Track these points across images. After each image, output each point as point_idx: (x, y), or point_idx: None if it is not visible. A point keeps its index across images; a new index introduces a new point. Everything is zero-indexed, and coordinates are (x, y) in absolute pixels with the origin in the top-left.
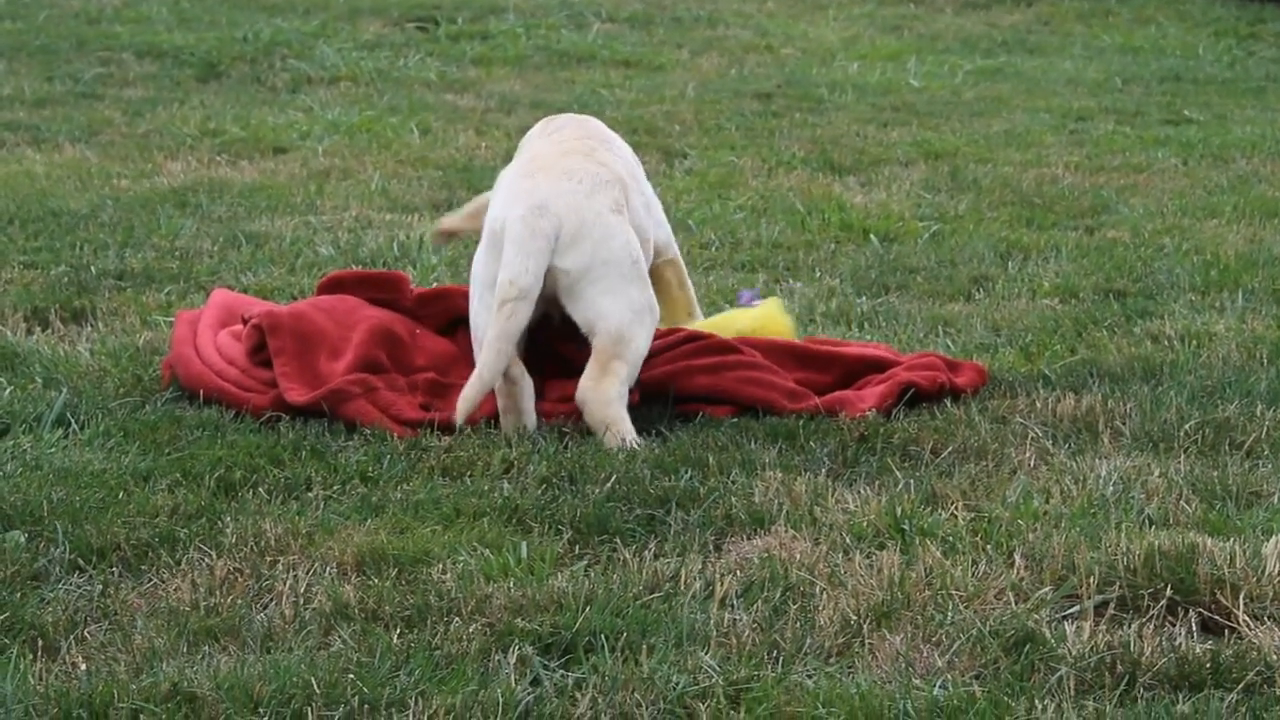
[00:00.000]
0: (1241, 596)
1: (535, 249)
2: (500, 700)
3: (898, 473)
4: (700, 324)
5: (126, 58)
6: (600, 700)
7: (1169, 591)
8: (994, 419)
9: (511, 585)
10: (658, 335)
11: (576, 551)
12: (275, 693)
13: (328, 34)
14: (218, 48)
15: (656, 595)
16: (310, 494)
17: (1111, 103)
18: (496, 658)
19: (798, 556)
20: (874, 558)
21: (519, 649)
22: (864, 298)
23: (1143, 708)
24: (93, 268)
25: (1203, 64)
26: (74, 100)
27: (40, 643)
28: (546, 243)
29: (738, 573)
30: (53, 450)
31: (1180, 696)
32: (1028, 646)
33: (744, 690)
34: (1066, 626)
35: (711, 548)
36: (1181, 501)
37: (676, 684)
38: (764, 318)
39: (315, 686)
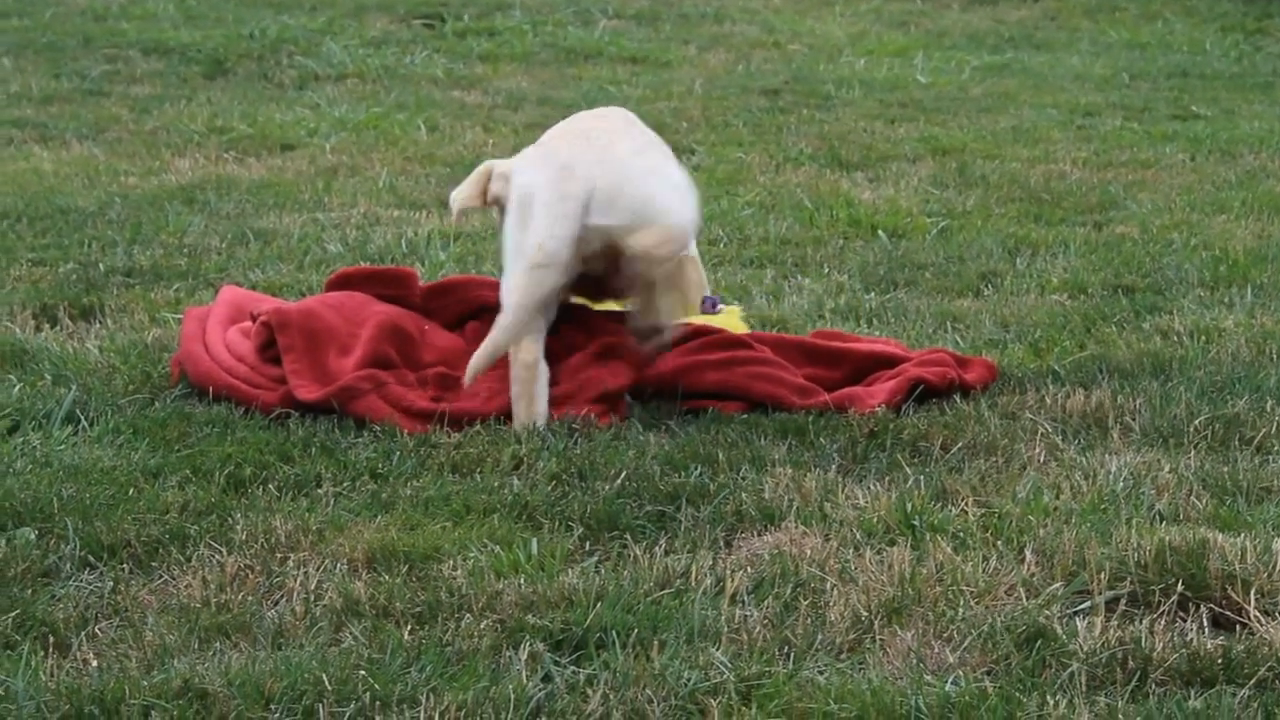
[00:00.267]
0: (1252, 592)
1: (563, 212)
2: (511, 697)
3: (908, 468)
4: None
5: (133, 55)
6: (612, 697)
7: (1180, 587)
8: (1004, 415)
9: (522, 582)
10: None
11: (587, 548)
12: (286, 689)
13: (334, 31)
14: (224, 45)
15: (667, 591)
16: (320, 490)
17: (1119, 98)
18: (508, 654)
19: (808, 552)
20: (884, 554)
21: (530, 645)
22: (872, 294)
23: (1154, 704)
24: (101, 265)
25: (1210, 59)
26: (81, 97)
27: (51, 639)
28: (577, 205)
29: (748, 569)
30: (62, 447)
31: (1192, 692)
32: (1039, 642)
33: (755, 686)
34: (1078, 622)
35: (722, 544)
36: (1192, 497)
37: (688, 680)
38: (722, 326)
39: (327, 683)
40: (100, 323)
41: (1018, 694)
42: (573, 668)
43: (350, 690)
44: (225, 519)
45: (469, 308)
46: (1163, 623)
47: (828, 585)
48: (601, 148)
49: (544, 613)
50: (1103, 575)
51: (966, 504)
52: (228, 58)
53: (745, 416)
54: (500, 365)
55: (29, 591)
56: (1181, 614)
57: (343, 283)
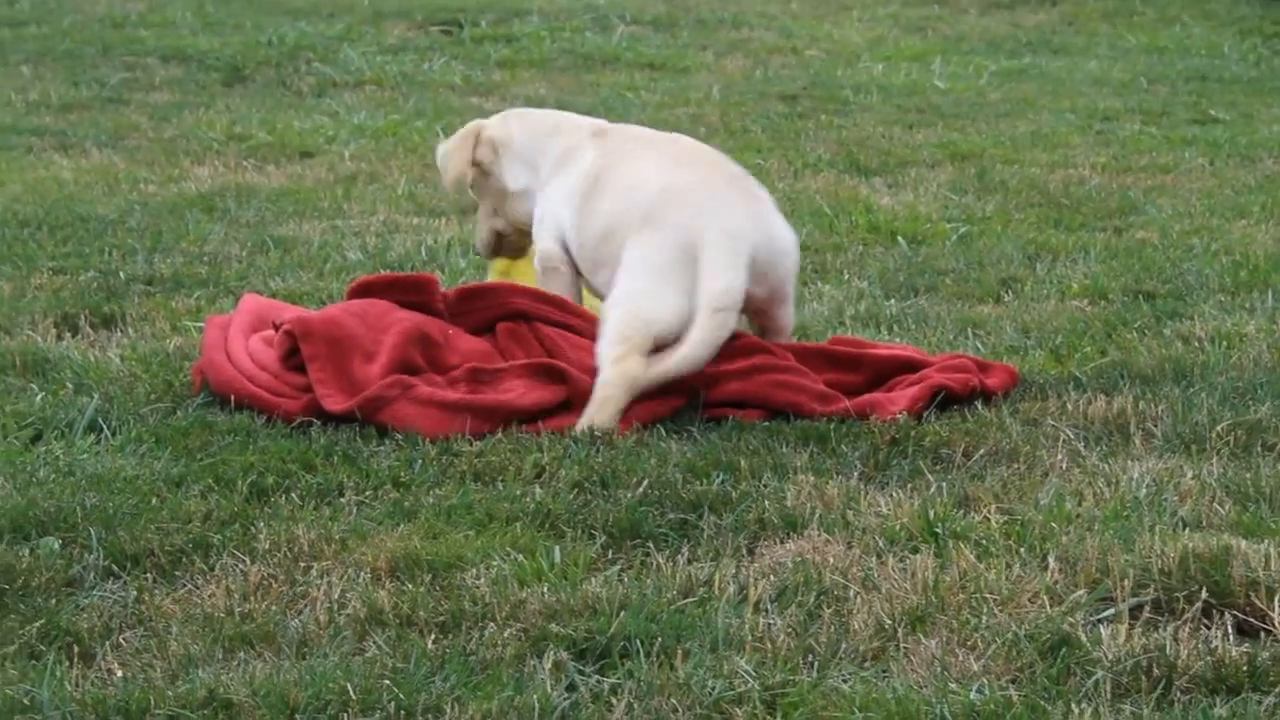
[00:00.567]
0: (1276, 599)
1: (741, 264)
2: (536, 706)
3: (930, 475)
4: None
5: (151, 62)
6: (636, 706)
7: (1204, 594)
8: (1025, 421)
9: (545, 590)
10: None
11: (610, 556)
12: (311, 699)
13: (352, 38)
14: (242, 52)
15: (691, 600)
16: (343, 499)
17: (1137, 103)
18: (531, 663)
19: (831, 560)
20: (907, 561)
21: (554, 654)
22: (893, 300)
23: (1180, 711)
24: (121, 273)
25: (1228, 63)
26: (100, 105)
27: (76, 649)
28: (747, 260)
29: (771, 577)
30: (85, 456)
31: (1217, 700)
32: (1063, 650)
33: (780, 695)
34: (1102, 630)
35: (745, 552)
36: (1214, 503)
37: (712, 689)
38: None
39: (351, 692)
40: (121, 331)
41: (1042, 702)
42: (597, 677)
43: (375, 700)
44: (248, 528)
45: (498, 314)
46: (1187, 630)
47: (851, 593)
48: (760, 211)
49: (567, 621)
50: (1126, 582)
51: (989, 511)
52: (246, 65)
53: (767, 424)
54: (524, 355)
55: (53, 601)
56: (1205, 621)
57: (364, 290)
